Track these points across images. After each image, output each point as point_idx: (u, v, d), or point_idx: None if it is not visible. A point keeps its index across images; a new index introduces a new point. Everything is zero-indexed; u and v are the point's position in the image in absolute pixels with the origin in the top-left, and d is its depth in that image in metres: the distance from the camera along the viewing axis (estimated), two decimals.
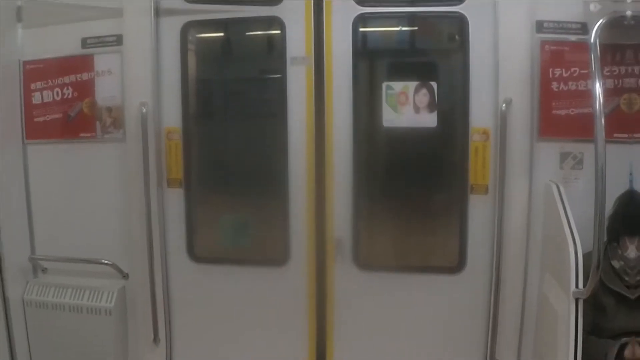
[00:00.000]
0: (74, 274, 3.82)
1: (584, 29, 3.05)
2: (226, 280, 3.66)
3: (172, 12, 3.49)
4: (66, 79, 3.72)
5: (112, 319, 3.73)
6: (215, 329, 3.71)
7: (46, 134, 3.79)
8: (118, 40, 3.56)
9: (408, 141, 3.42)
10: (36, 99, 3.79)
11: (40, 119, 3.79)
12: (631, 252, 2.80)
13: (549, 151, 3.20)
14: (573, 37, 3.11)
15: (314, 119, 3.39)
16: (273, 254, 3.58)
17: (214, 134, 3.80)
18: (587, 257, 2.61)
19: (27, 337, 3.90)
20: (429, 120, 3.31)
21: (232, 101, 3.74)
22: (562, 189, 3.03)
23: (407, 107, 3.31)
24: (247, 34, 3.65)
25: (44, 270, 3.93)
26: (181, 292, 3.73)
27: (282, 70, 3.37)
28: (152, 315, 3.65)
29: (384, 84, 3.31)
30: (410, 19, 3.43)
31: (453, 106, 3.32)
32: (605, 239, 2.69)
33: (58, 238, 3.84)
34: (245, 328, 3.67)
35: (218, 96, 3.80)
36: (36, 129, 3.80)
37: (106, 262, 3.72)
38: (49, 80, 3.75)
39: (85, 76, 3.68)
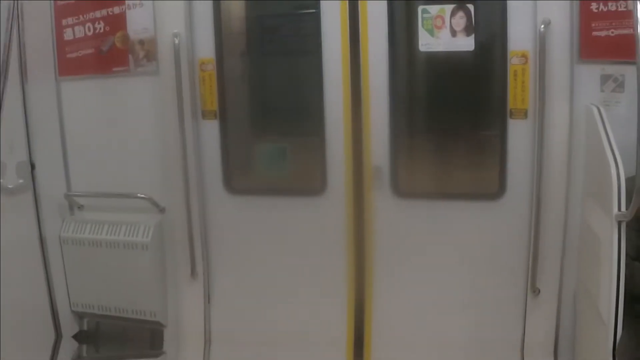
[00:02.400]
0: (110, 209, 4.11)
1: None
2: (263, 211, 3.90)
3: None
4: (97, 14, 3.93)
5: (149, 254, 3.99)
6: (253, 261, 3.97)
7: (79, 69, 4.03)
8: None
9: (445, 66, 3.57)
10: (68, 35, 4.03)
11: (73, 55, 4.03)
12: None
13: (590, 74, 3.31)
14: None
15: (349, 46, 3.57)
16: (310, 184, 3.79)
17: (249, 64, 3.99)
18: (629, 181, 2.70)
19: (65, 275, 4.19)
20: (466, 44, 3.46)
21: (266, 29, 3.90)
22: (603, 111, 3.14)
23: (443, 31, 3.47)
24: None
25: (80, 207, 4.22)
26: (218, 225, 3.98)
27: None
28: (189, 249, 3.91)
29: (420, 7, 3.46)
30: None
31: (491, 29, 3.45)
32: None
33: (93, 174, 4.11)
34: (283, 259, 3.92)
35: (251, 24, 3.95)
36: (69, 65, 4.05)
37: (142, 196, 3.97)
38: (80, 16, 3.97)
39: (116, 10, 3.89)
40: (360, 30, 3.52)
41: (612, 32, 3.23)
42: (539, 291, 3.47)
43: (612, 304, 2.64)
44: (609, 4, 3.22)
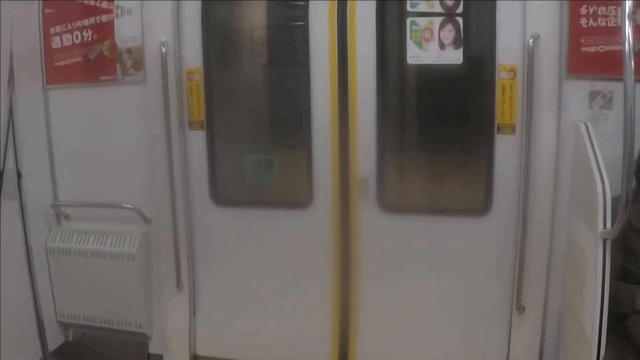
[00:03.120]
0: (97, 220, 4.11)
1: None
2: (249, 223, 3.89)
3: None
4: (85, 22, 3.93)
5: (135, 265, 3.99)
6: (239, 273, 3.96)
7: (67, 78, 4.03)
8: None
9: (433, 79, 3.56)
10: (56, 43, 4.02)
11: (61, 63, 4.03)
12: None
13: (578, 89, 3.29)
14: None
15: (337, 58, 3.56)
16: (297, 197, 3.78)
17: (236, 75, 3.97)
18: (615, 200, 2.69)
19: (51, 284, 4.20)
20: (455, 56, 3.44)
21: (255, 40, 3.90)
22: (591, 128, 3.13)
23: (432, 44, 3.45)
24: None
25: (67, 217, 4.22)
26: (204, 237, 3.97)
27: (306, 4, 3.56)
28: (175, 260, 3.89)
29: (409, 20, 3.44)
30: None
31: (480, 42, 3.44)
32: (634, 182, 2.80)
33: (80, 184, 4.11)
34: (269, 272, 3.90)
35: (239, 34, 3.95)
36: (57, 73, 4.05)
37: (128, 206, 3.97)
38: (68, 24, 3.96)
39: (104, 18, 3.87)
40: (348, 42, 3.52)
41: (602, 48, 3.23)
42: (524, 308, 3.45)
43: (595, 321, 2.64)
44: (599, 19, 3.21)
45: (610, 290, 2.66)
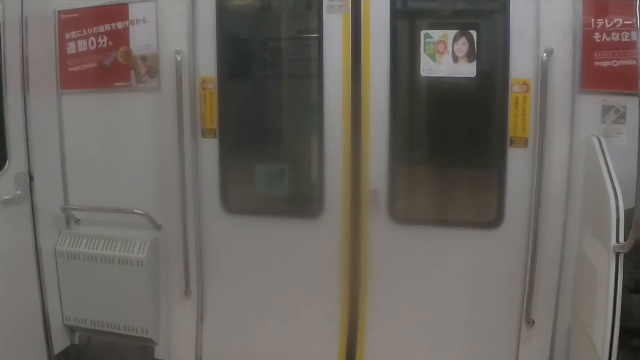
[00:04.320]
0: (107, 224, 4.12)
1: None
2: (259, 232, 3.88)
3: None
4: (101, 28, 3.96)
5: (144, 270, 4.00)
6: (248, 281, 3.95)
7: (81, 83, 4.06)
8: None
9: (446, 92, 3.56)
10: (71, 48, 4.06)
11: (75, 69, 4.06)
12: None
13: (591, 104, 3.30)
14: None
15: (351, 70, 3.57)
16: (307, 207, 3.79)
17: (249, 84, 3.98)
18: (628, 213, 2.67)
19: (59, 288, 4.21)
20: (468, 70, 3.45)
21: (268, 50, 3.92)
22: (603, 142, 3.12)
23: (445, 57, 3.46)
24: None
25: (77, 221, 4.23)
26: (214, 244, 3.97)
27: (320, 16, 3.57)
28: (184, 267, 3.90)
29: (422, 32, 3.46)
30: None
31: (493, 56, 3.45)
32: None
33: (91, 188, 4.13)
34: (278, 281, 3.90)
35: (254, 45, 3.99)
36: (71, 78, 4.07)
37: (139, 212, 3.98)
38: (84, 30, 4.00)
39: (120, 25, 3.91)
40: (362, 55, 3.53)
41: (615, 63, 3.23)
42: (534, 322, 3.44)
43: (607, 336, 2.61)
44: (612, 34, 3.22)
45: (622, 305, 2.63)
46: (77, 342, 4.35)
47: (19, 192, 3.76)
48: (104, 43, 3.96)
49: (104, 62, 3.94)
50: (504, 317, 3.58)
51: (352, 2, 3.49)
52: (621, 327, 2.62)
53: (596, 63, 3.26)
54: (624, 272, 2.66)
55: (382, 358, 3.78)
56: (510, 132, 3.42)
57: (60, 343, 4.23)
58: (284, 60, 3.88)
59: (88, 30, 3.98)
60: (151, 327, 4.07)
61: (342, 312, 3.82)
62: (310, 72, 3.70)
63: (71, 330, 4.32)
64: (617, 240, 2.65)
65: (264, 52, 3.88)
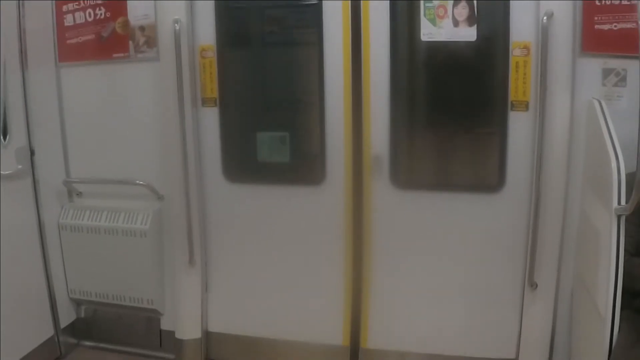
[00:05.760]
0: (109, 196, 4.12)
1: None
2: (262, 200, 3.89)
3: None
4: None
5: (148, 241, 4.01)
6: (251, 249, 3.97)
7: (79, 55, 4.03)
8: None
9: (447, 56, 3.55)
10: (68, 20, 4.02)
11: (73, 41, 4.02)
12: None
13: (591, 67, 3.29)
14: None
15: (351, 36, 3.55)
16: (310, 174, 3.79)
17: (250, 51, 3.95)
18: (630, 176, 2.70)
19: (63, 261, 4.22)
20: (469, 34, 3.43)
21: (268, 17, 3.88)
22: (604, 105, 3.13)
23: (446, 21, 3.44)
24: None
25: (79, 193, 4.23)
26: (217, 213, 3.98)
27: None
28: (187, 237, 3.89)
29: None
30: None
31: (493, 20, 3.42)
32: None
33: (93, 161, 4.13)
34: (281, 248, 3.92)
35: (253, 11, 3.92)
36: (69, 51, 4.04)
37: (141, 183, 3.98)
38: (81, 1, 3.96)
39: None
40: (362, 20, 3.50)
41: (615, 26, 3.21)
42: (537, 285, 3.45)
43: (610, 298, 2.64)
44: None
45: (624, 266, 2.66)
46: (83, 315, 4.38)
47: (20, 166, 3.76)
48: (101, 14, 3.92)
49: (102, 33, 3.92)
50: (507, 280, 3.60)
51: None
52: (623, 289, 2.66)
53: (597, 26, 3.24)
54: (626, 236, 2.69)
55: (386, 322, 3.81)
56: (512, 96, 3.41)
57: (67, 317, 4.25)
58: (283, 26, 3.84)
59: (85, 1, 3.95)
60: (156, 298, 4.09)
61: (346, 277, 3.83)
62: (310, 38, 3.66)
63: (77, 303, 4.34)
64: (619, 202, 2.68)
65: (263, 18, 3.84)
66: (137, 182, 3.98)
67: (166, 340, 4.19)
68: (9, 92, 3.65)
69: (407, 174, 3.71)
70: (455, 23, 3.44)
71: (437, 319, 3.75)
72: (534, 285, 3.47)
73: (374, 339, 3.89)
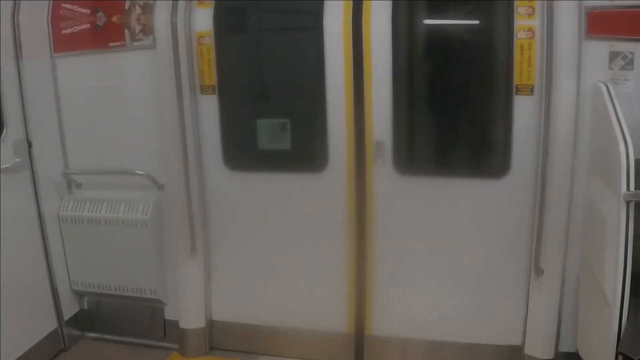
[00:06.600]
0: (109, 187, 4.08)
1: None
2: (264, 188, 3.85)
3: None
4: None
5: (149, 231, 3.98)
6: (253, 237, 3.93)
7: (74, 45, 3.96)
8: None
9: (450, 39, 3.50)
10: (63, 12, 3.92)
11: (68, 31, 3.95)
12: None
13: (598, 50, 3.22)
14: None
15: (352, 20, 3.48)
16: (311, 160, 3.73)
17: (248, 37, 3.90)
18: (637, 163, 2.66)
19: (64, 253, 4.19)
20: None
21: (266, 2, 3.80)
22: (611, 89, 3.06)
23: None
24: None
25: (78, 185, 4.18)
26: (218, 202, 3.94)
27: None
28: (188, 226, 3.87)
29: None
30: None
31: (498, 1, 3.36)
32: None
33: (91, 152, 4.08)
34: (284, 236, 3.88)
35: None
36: (64, 41, 3.97)
37: (141, 173, 3.93)
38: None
39: None
40: (363, 4, 3.44)
41: (622, 9, 3.14)
42: (543, 271, 3.42)
43: (618, 285, 2.60)
44: None
45: (632, 252, 2.61)
46: (86, 307, 4.36)
47: (18, 159, 3.72)
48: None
49: (97, 22, 3.83)
50: (513, 266, 3.57)
51: None
52: (631, 275, 2.62)
53: (602, 9, 3.18)
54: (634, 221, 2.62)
55: (389, 308, 3.79)
56: (516, 80, 3.35)
57: (70, 309, 4.24)
58: (282, 12, 3.77)
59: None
60: (159, 288, 4.07)
61: (349, 264, 3.81)
62: (310, 22, 3.61)
63: (79, 295, 4.32)
64: (628, 188, 2.62)
65: (262, 3, 3.78)
66: (137, 172, 3.93)
67: (170, 330, 4.17)
68: (4, 85, 3.61)
69: (410, 159, 3.65)
70: None
71: (442, 306, 3.73)
72: (540, 272, 3.45)
73: (378, 325, 3.87)
